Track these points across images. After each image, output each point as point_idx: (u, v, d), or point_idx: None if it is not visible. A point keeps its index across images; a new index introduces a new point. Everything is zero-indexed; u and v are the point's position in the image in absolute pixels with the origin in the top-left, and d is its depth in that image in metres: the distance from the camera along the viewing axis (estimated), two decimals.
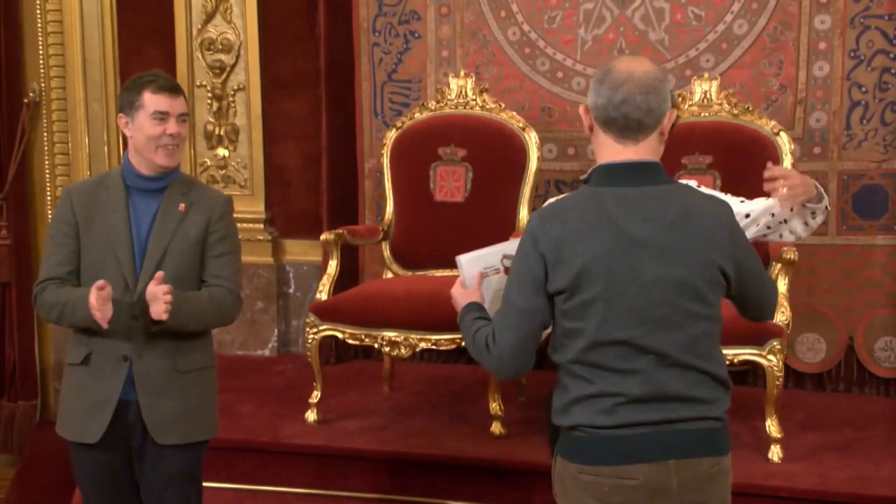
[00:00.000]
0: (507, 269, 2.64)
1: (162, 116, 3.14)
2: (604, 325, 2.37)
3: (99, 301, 2.95)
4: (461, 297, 2.68)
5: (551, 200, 2.56)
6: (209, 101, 5.89)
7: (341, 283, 4.81)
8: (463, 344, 4.37)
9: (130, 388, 3.11)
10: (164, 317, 2.99)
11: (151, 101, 3.13)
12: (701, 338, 2.44)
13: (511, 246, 2.61)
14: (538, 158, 4.90)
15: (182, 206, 3.20)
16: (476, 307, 2.63)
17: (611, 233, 2.38)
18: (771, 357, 4.10)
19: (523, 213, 4.84)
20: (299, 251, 5.99)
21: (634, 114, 2.41)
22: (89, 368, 3.13)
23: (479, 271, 2.69)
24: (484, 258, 2.70)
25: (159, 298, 2.97)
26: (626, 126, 2.42)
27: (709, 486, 2.48)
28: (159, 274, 3.01)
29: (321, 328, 4.54)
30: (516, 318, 2.45)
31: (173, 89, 3.18)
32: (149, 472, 3.18)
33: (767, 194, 4.50)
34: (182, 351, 3.17)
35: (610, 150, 2.46)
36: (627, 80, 2.41)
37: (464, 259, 2.72)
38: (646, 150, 2.45)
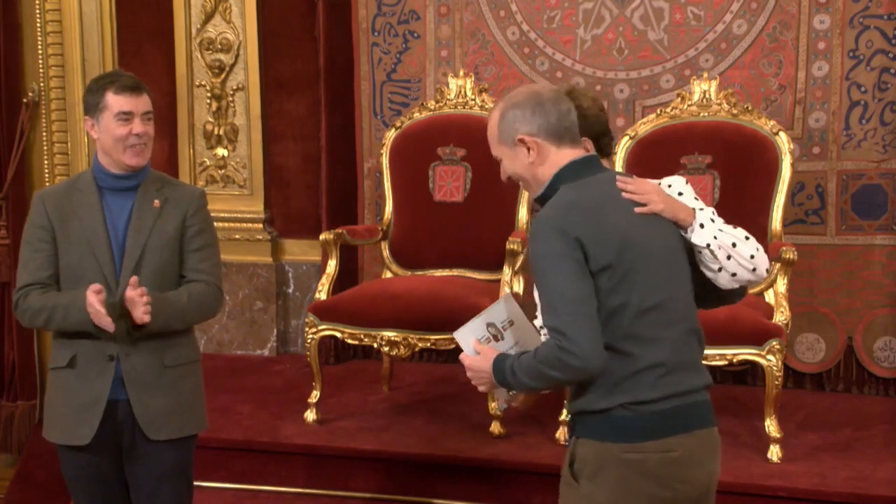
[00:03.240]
0: (495, 337, 2.63)
1: (126, 117, 3.12)
2: (645, 293, 2.48)
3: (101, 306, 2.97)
4: (482, 360, 2.60)
5: (542, 213, 2.57)
6: (208, 101, 5.89)
7: (341, 282, 4.81)
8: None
9: (119, 387, 3.11)
10: (147, 318, 2.99)
11: (115, 101, 3.12)
12: (693, 303, 2.64)
13: (492, 312, 2.63)
14: None
15: (157, 202, 3.19)
16: (504, 355, 2.57)
17: (619, 209, 2.54)
18: (770, 357, 4.10)
19: (522, 213, 4.84)
20: (298, 251, 5.98)
21: (574, 118, 2.64)
22: (75, 370, 3.12)
23: (475, 339, 2.65)
24: (474, 329, 2.67)
25: (137, 302, 2.98)
26: (573, 131, 2.63)
27: (717, 455, 2.62)
28: (133, 279, 3.01)
29: (320, 328, 4.54)
30: (580, 307, 2.43)
31: (135, 88, 3.16)
32: (141, 470, 3.18)
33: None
34: (168, 346, 3.17)
35: (565, 157, 2.61)
36: (559, 96, 2.64)
37: (458, 334, 2.69)
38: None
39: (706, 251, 2.65)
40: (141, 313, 2.98)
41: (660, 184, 2.84)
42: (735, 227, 2.73)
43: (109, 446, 3.14)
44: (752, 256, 2.69)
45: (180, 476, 3.26)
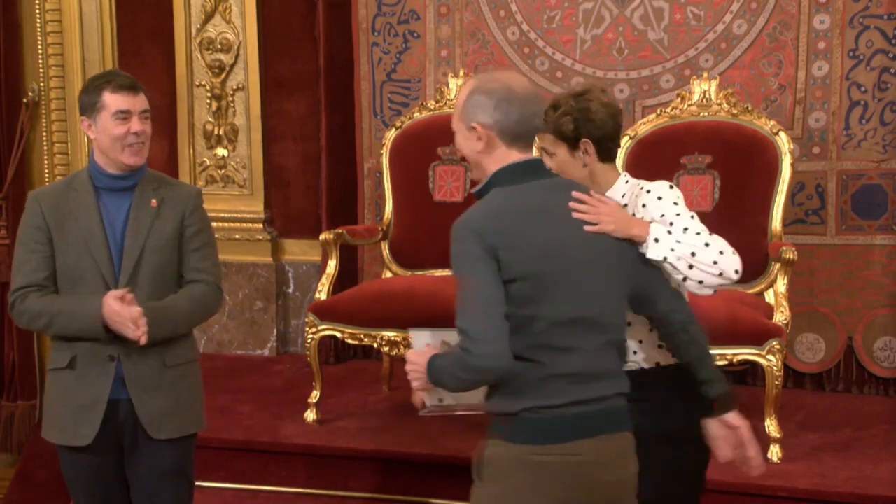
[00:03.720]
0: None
1: (124, 115, 3.10)
2: (562, 306, 2.50)
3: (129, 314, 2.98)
4: (423, 356, 2.62)
5: (466, 213, 2.60)
6: (208, 101, 5.89)
7: (341, 282, 4.81)
8: None
9: (120, 386, 3.10)
10: (144, 340, 2.99)
11: (112, 100, 3.10)
12: (622, 316, 2.66)
13: (452, 333, 2.61)
14: None
15: (154, 202, 3.18)
16: (437, 355, 2.61)
17: (548, 219, 2.55)
18: (770, 357, 4.10)
19: None
20: (298, 251, 5.98)
21: (538, 123, 2.65)
22: (75, 371, 3.10)
23: (426, 344, 2.68)
24: (431, 335, 2.70)
25: (131, 326, 2.98)
26: (530, 135, 2.64)
27: (629, 459, 2.63)
28: (129, 296, 3.01)
29: (320, 328, 4.54)
30: (489, 309, 2.47)
31: (133, 87, 3.14)
32: (142, 470, 3.18)
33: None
34: (169, 346, 3.16)
35: (509, 157, 2.61)
36: (533, 98, 2.62)
37: (414, 331, 2.74)
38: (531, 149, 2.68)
39: (665, 265, 2.67)
40: (138, 335, 2.98)
41: (642, 188, 2.85)
42: (701, 234, 2.74)
43: (110, 446, 3.14)
44: (716, 262, 2.70)
45: (181, 475, 3.26)
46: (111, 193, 3.17)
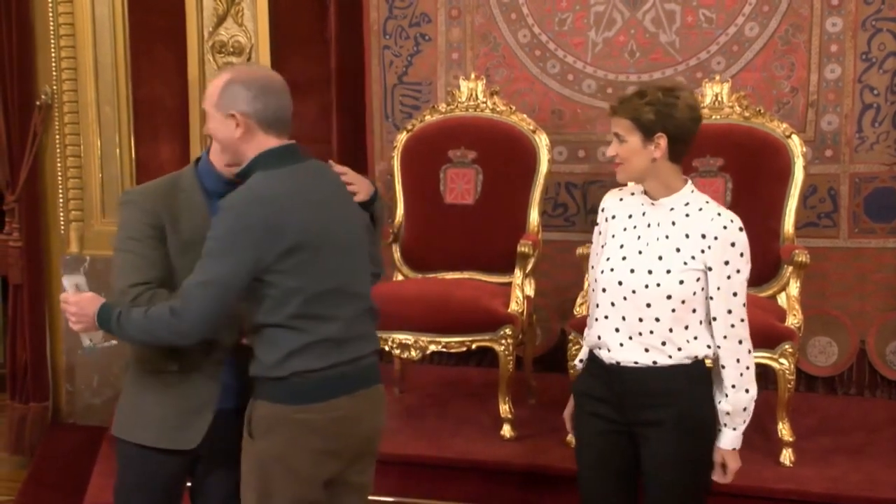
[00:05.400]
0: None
1: None
2: (322, 278, 2.77)
3: None
4: (87, 303, 2.86)
5: (232, 196, 2.77)
6: None
7: None
8: (474, 347, 4.42)
9: (224, 392, 3.00)
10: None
11: None
12: (369, 282, 3.00)
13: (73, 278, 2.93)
14: (549, 161, 4.89)
15: None
16: (110, 305, 2.83)
17: (305, 199, 2.78)
18: (783, 360, 4.09)
19: (534, 216, 4.83)
20: None
21: (290, 113, 2.89)
22: (181, 375, 2.97)
23: (76, 285, 2.92)
24: (70, 280, 2.94)
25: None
26: (285, 123, 2.87)
27: (380, 409, 2.99)
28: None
29: None
30: (217, 290, 2.71)
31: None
32: (218, 481, 3.12)
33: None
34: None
35: (267, 143, 2.84)
36: (285, 90, 2.87)
37: (66, 277, 2.96)
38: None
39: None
40: None
41: (711, 208, 2.96)
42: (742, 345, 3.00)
43: (197, 453, 3.03)
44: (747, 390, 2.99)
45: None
46: (220, 198, 2.98)
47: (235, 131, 2.80)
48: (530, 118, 5.02)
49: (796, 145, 4.54)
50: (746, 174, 4.55)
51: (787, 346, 4.08)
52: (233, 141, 2.83)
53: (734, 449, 3.01)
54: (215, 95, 2.81)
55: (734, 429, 2.99)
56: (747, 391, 2.96)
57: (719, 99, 4.69)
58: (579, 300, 4.35)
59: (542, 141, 4.90)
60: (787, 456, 4.15)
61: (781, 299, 4.41)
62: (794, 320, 4.19)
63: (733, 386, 2.95)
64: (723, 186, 4.55)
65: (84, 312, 2.85)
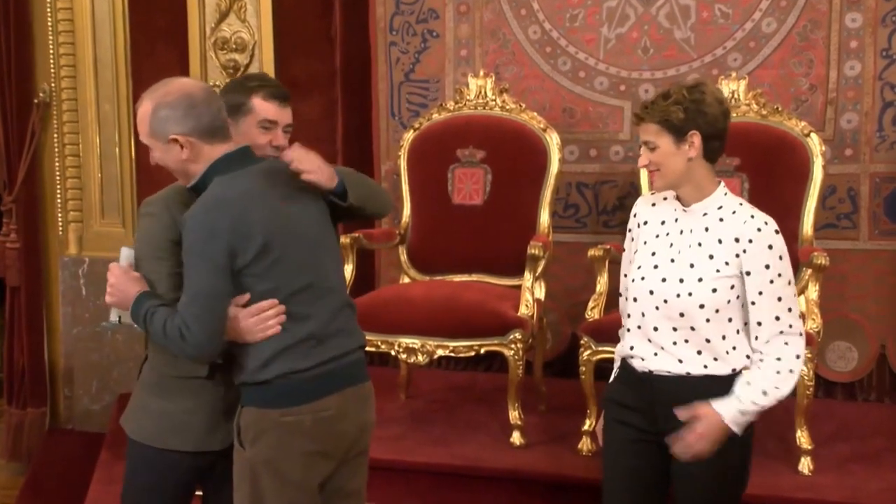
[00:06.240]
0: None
1: (270, 125, 3.01)
2: (295, 276, 2.76)
3: None
4: (131, 283, 2.82)
5: (194, 206, 2.73)
6: None
7: (357, 287, 4.73)
8: (482, 351, 4.36)
9: None
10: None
11: (262, 107, 3.00)
12: (342, 274, 3.02)
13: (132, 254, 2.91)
14: (559, 160, 4.84)
15: None
16: (148, 296, 2.80)
17: (268, 198, 2.76)
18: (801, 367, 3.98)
19: (544, 217, 4.78)
20: None
21: (225, 115, 2.84)
22: (214, 380, 2.92)
23: (129, 262, 2.89)
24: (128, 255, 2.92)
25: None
26: (224, 128, 2.83)
27: (368, 405, 2.96)
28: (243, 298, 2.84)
29: None
30: (210, 303, 2.69)
31: (285, 98, 3.05)
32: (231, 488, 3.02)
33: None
34: None
35: (217, 152, 2.79)
36: (210, 94, 2.83)
37: (125, 249, 2.93)
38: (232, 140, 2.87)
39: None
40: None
41: (746, 211, 2.85)
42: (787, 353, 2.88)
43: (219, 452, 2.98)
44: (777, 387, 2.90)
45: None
46: None
47: (182, 153, 2.76)
48: (540, 116, 4.98)
49: (815, 144, 4.46)
50: (763, 174, 4.48)
51: (805, 352, 3.96)
52: (182, 162, 2.79)
53: (721, 420, 2.82)
54: (146, 125, 2.78)
55: (740, 402, 2.82)
56: (777, 388, 2.84)
57: (736, 97, 4.61)
58: (591, 303, 4.32)
59: (553, 140, 4.84)
60: (805, 464, 4.08)
61: (800, 303, 4.31)
62: (813, 325, 4.11)
63: (772, 373, 2.84)
64: (739, 187, 4.48)
65: (124, 289, 2.82)
